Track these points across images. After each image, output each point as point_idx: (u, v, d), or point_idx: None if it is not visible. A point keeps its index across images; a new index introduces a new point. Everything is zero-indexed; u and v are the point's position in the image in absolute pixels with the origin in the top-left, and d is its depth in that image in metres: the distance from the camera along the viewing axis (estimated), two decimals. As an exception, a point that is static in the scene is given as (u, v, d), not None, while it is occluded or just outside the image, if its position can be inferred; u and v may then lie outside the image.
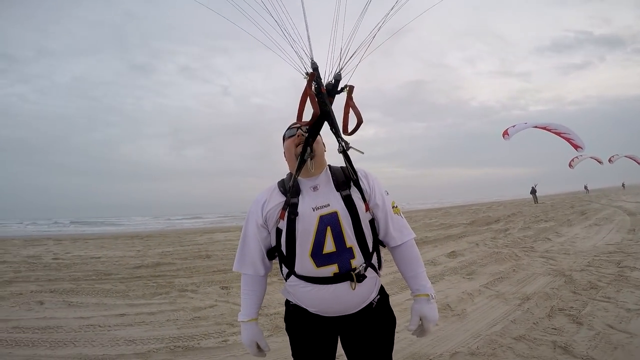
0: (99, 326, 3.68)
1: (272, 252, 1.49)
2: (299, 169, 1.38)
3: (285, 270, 1.46)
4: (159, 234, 17.11)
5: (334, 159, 1.53)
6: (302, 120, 1.33)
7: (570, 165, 20.12)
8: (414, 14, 1.40)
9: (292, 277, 1.42)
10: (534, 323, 3.31)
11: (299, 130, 1.45)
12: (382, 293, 1.52)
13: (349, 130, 1.32)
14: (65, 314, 4.09)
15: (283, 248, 1.42)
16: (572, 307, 3.63)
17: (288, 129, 1.54)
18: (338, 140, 1.35)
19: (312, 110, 1.27)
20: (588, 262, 5.62)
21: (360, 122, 1.31)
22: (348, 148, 1.34)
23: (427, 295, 1.45)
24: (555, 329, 3.14)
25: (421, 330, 1.46)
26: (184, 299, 4.67)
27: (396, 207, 1.50)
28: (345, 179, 1.45)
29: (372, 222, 1.45)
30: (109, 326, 3.69)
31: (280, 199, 1.44)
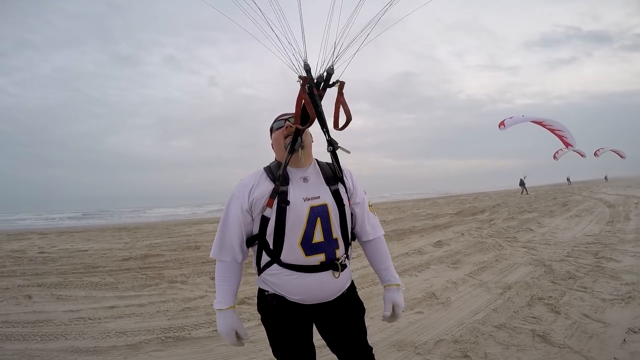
0: (89, 319, 3.69)
1: (251, 240, 1.49)
2: (289, 158, 1.43)
3: (265, 259, 1.46)
4: (147, 225, 16.97)
5: (319, 152, 1.58)
6: (299, 120, 1.38)
7: (554, 157, 20.56)
8: (406, 4, 1.42)
9: (275, 266, 1.43)
10: (514, 312, 3.45)
11: (287, 122, 1.50)
12: (351, 282, 1.62)
13: (339, 127, 1.39)
14: (54, 307, 4.08)
15: (269, 236, 1.42)
16: (550, 297, 3.78)
17: (276, 120, 1.57)
18: (328, 141, 1.44)
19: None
20: (567, 252, 5.83)
21: (349, 119, 1.37)
22: (337, 148, 1.45)
23: (398, 285, 1.59)
24: (535, 318, 3.28)
25: (392, 315, 1.58)
26: (173, 290, 4.70)
27: (371, 205, 1.65)
28: (333, 174, 1.54)
29: (351, 216, 1.56)
30: (99, 318, 3.70)
31: (269, 185, 1.45)
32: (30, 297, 4.42)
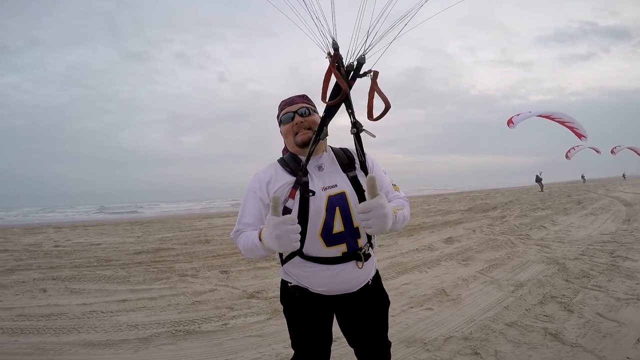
0: (102, 312, 3.75)
1: None
2: (312, 149, 1.38)
3: None
4: (159, 219, 17.20)
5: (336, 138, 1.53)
6: (325, 97, 1.33)
7: (566, 156, 20.13)
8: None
9: (297, 258, 1.40)
10: (526, 310, 3.39)
11: (297, 117, 1.45)
12: (376, 272, 1.57)
13: (374, 116, 1.31)
14: (68, 300, 4.16)
15: None
16: (564, 295, 3.71)
17: (282, 111, 1.51)
18: (353, 122, 1.36)
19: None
20: (582, 250, 5.71)
21: (388, 107, 1.29)
22: (361, 130, 1.36)
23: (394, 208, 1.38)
24: (547, 316, 3.22)
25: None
26: (184, 284, 4.74)
27: (395, 184, 1.57)
28: (349, 160, 1.48)
29: None
30: (111, 312, 3.76)
31: (288, 178, 1.41)
32: (45, 291, 4.52)
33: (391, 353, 1.58)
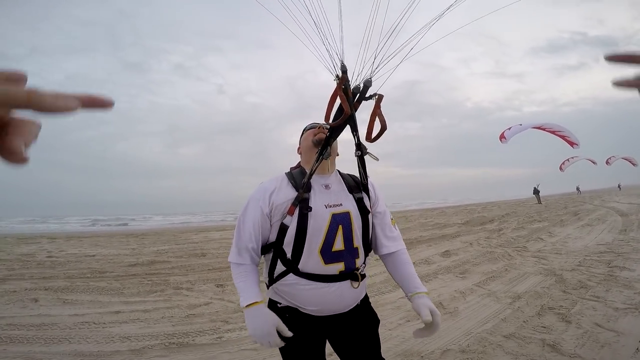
0: (94, 323, 3.69)
1: (267, 248, 1.44)
2: (316, 167, 1.41)
3: (280, 268, 1.40)
4: (154, 232, 17.06)
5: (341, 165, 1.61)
6: (329, 118, 1.37)
7: (560, 168, 20.27)
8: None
9: (291, 276, 1.38)
10: (524, 321, 3.37)
11: (322, 127, 1.50)
12: (365, 293, 1.58)
13: (372, 137, 1.35)
14: (59, 311, 4.09)
15: (287, 245, 1.37)
16: (561, 306, 3.69)
17: (310, 125, 1.58)
18: (357, 144, 1.42)
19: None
20: (579, 261, 5.70)
21: (384, 128, 1.33)
22: (366, 153, 1.42)
23: (427, 292, 1.47)
24: (545, 327, 3.20)
25: (432, 323, 1.33)
26: (179, 297, 4.68)
27: (393, 219, 1.61)
28: (355, 184, 1.52)
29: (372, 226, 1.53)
30: (104, 323, 3.70)
31: (291, 192, 1.41)
32: (36, 301, 4.45)
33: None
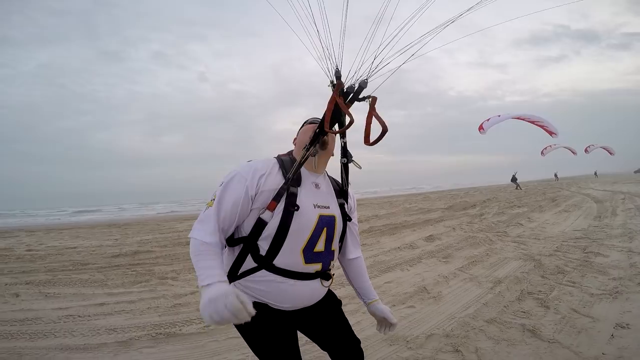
0: (79, 316, 3.64)
1: (235, 242, 1.35)
2: (305, 155, 1.36)
3: (249, 264, 1.32)
4: (137, 222, 16.78)
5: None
6: (329, 126, 1.31)
7: (542, 153, 20.84)
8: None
9: (263, 272, 1.32)
10: (504, 306, 3.48)
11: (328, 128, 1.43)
12: None
13: (371, 141, 1.26)
14: (42, 305, 4.02)
15: (263, 240, 1.30)
16: (540, 291, 3.83)
17: (310, 119, 1.53)
18: (344, 152, 1.46)
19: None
20: (556, 247, 5.91)
21: (385, 130, 1.23)
22: (350, 160, 1.48)
23: (378, 300, 1.67)
24: (524, 312, 3.32)
25: (392, 325, 1.63)
26: (164, 287, 4.66)
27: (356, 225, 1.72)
28: (339, 188, 1.56)
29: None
30: (89, 316, 3.65)
31: (280, 180, 1.34)
32: (18, 295, 4.34)
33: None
